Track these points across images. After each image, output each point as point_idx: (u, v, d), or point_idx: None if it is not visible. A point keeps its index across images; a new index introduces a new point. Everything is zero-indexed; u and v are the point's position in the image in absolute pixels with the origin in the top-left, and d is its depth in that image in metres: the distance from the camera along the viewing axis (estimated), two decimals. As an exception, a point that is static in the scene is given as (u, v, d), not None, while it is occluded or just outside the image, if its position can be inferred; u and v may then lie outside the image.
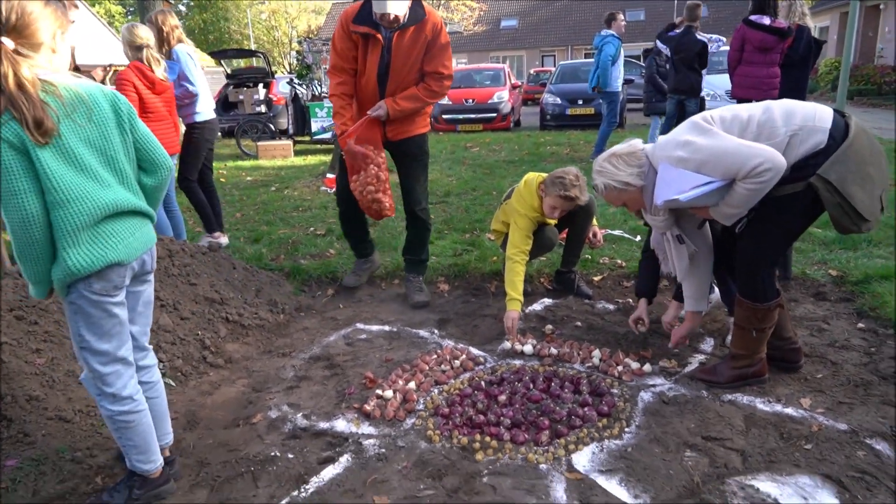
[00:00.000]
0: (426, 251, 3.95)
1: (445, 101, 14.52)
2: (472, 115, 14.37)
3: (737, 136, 2.33)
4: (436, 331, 3.47)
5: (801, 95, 5.77)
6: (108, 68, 5.82)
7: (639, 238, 4.72)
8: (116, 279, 1.90)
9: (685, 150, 2.37)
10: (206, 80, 4.89)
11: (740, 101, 5.59)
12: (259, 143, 11.22)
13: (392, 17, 3.21)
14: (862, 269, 3.76)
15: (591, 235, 3.80)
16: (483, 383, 2.81)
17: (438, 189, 7.01)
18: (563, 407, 2.58)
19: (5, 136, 1.65)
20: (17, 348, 2.71)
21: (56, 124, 1.71)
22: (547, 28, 39.05)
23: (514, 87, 15.96)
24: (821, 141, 2.27)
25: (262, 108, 13.21)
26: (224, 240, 5.05)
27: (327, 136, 11.04)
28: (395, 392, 2.73)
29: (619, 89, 8.68)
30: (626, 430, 2.43)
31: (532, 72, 29.52)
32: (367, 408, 2.62)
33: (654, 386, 2.75)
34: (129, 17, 35.55)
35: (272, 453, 2.37)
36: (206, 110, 4.79)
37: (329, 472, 2.25)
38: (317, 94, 11.78)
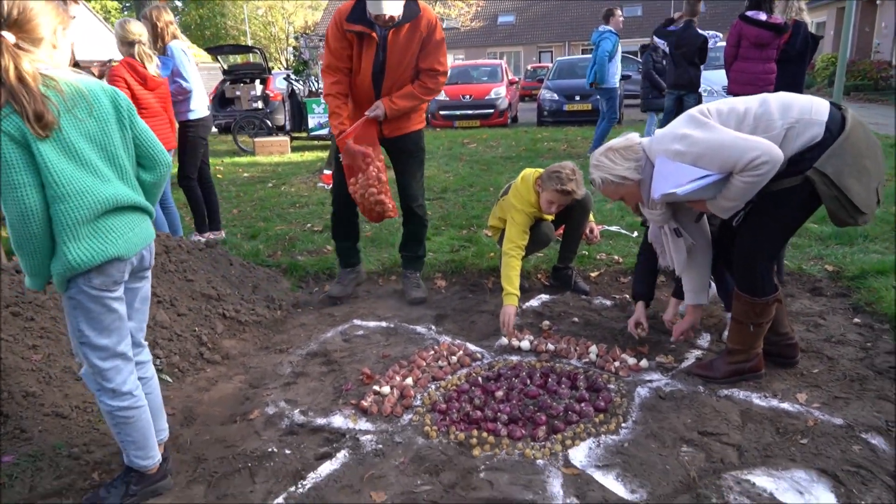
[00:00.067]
0: (423, 247, 3.94)
1: (443, 97, 14.50)
2: (470, 112, 14.36)
3: (733, 129, 2.33)
4: (433, 327, 3.47)
5: (797, 91, 5.75)
6: (107, 64, 5.81)
7: (636, 234, 4.73)
8: (116, 274, 1.91)
9: (682, 144, 2.37)
10: (200, 76, 4.88)
11: (737, 96, 5.58)
12: (256, 140, 11.20)
13: (387, 17, 3.19)
14: (858, 265, 3.77)
15: (587, 231, 3.80)
16: (480, 379, 2.82)
17: (436, 185, 7.01)
18: (559, 402, 2.58)
19: (6, 129, 1.65)
20: (14, 344, 2.71)
21: (56, 118, 1.72)
22: (544, 24, 39.00)
23: (511, 83, 15.95)
24: (817, 134, 2.28)
25: (259, 105, 13.19)
26: (220, 235, 5.07)
27: (324, 132, 11.02)
28: (392, 388, 2.73)
29: (617, 85, 8.68)
30: (623, 425, 2.43)
31: (529, 68, 29.56)
32: (365, 404, 2.62)
33: (650, 381, 2.76)
34: (126, 13, 35.39)
35: (269, 449, 2.37)
36: (200, 108, 4.79)
37: (326, 467, 2.25)
38: (314, 90, 11.76)
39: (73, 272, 1.81)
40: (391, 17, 3.21)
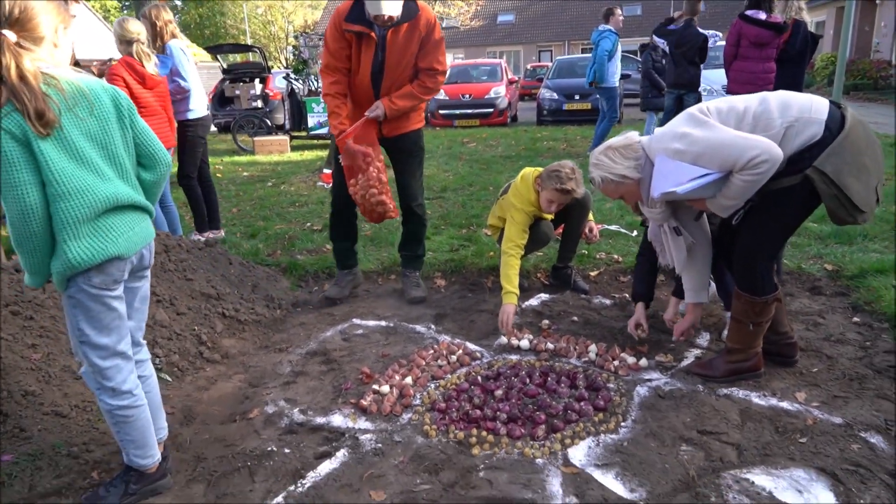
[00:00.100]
0: (423, 247, 3.94)
1: (442, 96, 14.50)
2: (469, 111, 14.36)
3: (733, 128, 2.33)
4: (432, 326, 3.47)
5: (797, 90, 5.75)
6: (106, 63, 5.81)
7: (635, 233, 4.73)
8: (116, 273, 1.91)
9: (682, 143, 2.37)
10: (199, 76, 4.88)
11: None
12: (255, 139, 11.20)
13: (386, 17, 3.18)
14: (857, 264, 3.77)
15: (587, 231, 3.80)
16: (479, 378, 2.82)
17: (435, 184, 7.01)
18: (559, 401, 2.58)
19: (7, 127, 1.66)
20: (13, 343, 2.70)
21: (57, 116, 1.73)
22: (544, 23, 38.98)
23: (510, 82, 15.94)
24: (816, 133, 2.27)
25: (259, 104, 13.18)
26: (220, 234, 5.08)
27: (324, 131, 11.02)
28: (391, 387, 2.74)
29: (617, 84, 8.67)
30: (622, 424, 2.43)
31: (529, 67, 29.54)
32: (364, 403, 2.62)
33: (650, 380, 2.76)
34: (125, 12, 35.37)
35: (269, 448, 2.37)
36: (199, 107, 4.79)
37: (326, 466, 2.25)
38: (313, 88, 11.75)
39: (73, 271, 1.81)
40: (390, 17, 3.20)
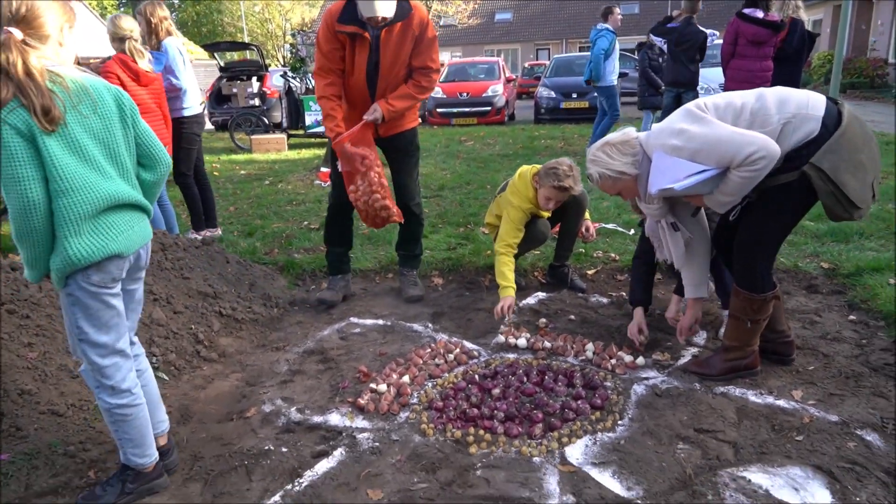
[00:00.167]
0: (420, 246, 3.94)
1: (440, 94, 14.50)
2: (467, 109, 14.34)
3: (730, 124, 2.33)
4: (430, 325, 3.47)
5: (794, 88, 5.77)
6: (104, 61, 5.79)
7: (632, 232, 4.73)
8: (115, 271, 1.92)
9: (679, 139, 2.37)
10: (194, 74, 4.87)
11: (734, 94, 5.59)
12: (253, 137, 11.18)
13: (380, 18, 3.16)
14: (854, 262, 3.78)
15: (583, 230, 3.81)
16: (477, 377, 2.82)
17: (432, 183, 7.01)
18: (556, 400, 2.59)
19: (13, 123, 1.68)
20: (9, 342, 2.70)
21: (62, 113, 1.75)
22: (541, 21, 38.96)
23: (508, 80, 15.93)
24: (813, 129, 2.28)
25: (256, 102, 13.15)
26: (217, 233, 5.07)
27: (321, 129, 11.00)
28: (388, 386, 2.74)
29: (615, 83, 8.67)
30: (619, 422, 2.44)
31: (526, 65, 29.52)
32: (361, 402, 2.62)
33: (647, 379, 2.76)
34: (122, 9, 35.27)
35: (266, 447, 2.37)
36: (193, 105, 4.78)
37: (323, 465, 2.25)
38: (311, 87, 11.72)
39: (72, 268, 1.82)
40: (384, 18, 3.17)
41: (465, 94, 14.45)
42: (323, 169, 7.85)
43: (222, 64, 14.18)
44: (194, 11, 42.03)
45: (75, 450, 2.35)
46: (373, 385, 2.75)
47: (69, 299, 1.90)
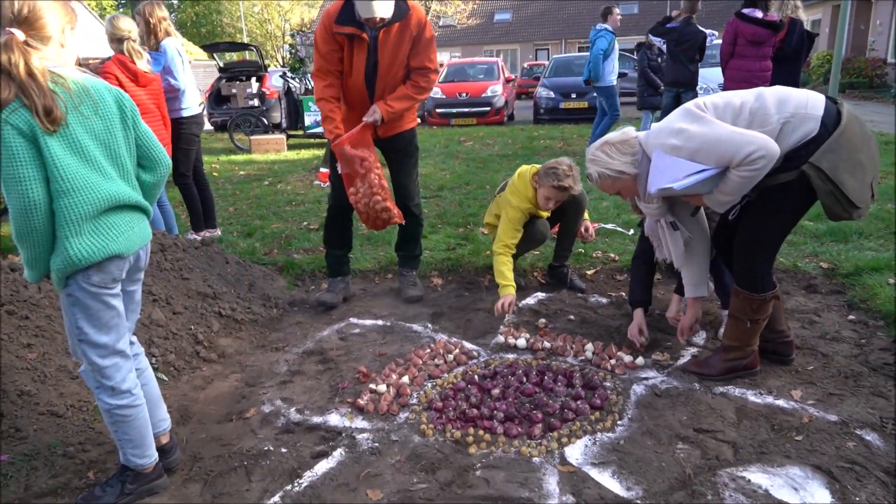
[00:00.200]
0: (419, 246, 3.94)
1: (439, 94, 14.50)
2: (466, 109, 14.34)
3: (729, 123, 2.32)
4: (429, 325, 3.47)
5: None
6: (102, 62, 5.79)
7: (632, 232, 4.73)
8: (115, 272, 1.93)
9: (679, 138, 2.37)
10: (192, 74, 4.87)
11: (733, 94, 5.59)
12: (252, 137, 11.17)
13: (378, 18, 3.15)
14: (853, 262, 3.78)
15: (582, 230, 3.81)
16: (476, 377, 2.82)
17: (432, 183, 7.01)
18: (555, 400, 2.59)
19: (14, 123, 1.69)
20: (8, 343, 2.70)
21: (64, 114, 1.76)
22: (540, 22, 38.97)
23: (507, 80, 15.93)
24: (812, 129, 2.28)
25: (255, 102, 13.14)
26: (216, 233, 5.07)
27: (321, 129, 10.99)
28: (388, 386, 2.74)
29: (615, 83, 8.67)
30: (619, 422, 2.44)
31: (526, 65, 29.51)
32: (361, 402, 2.62)
33: (646, 379, 2.77)
34: (121, 10, 35.27)
35: (265, 448, 2.37)
36: (192, 105, 4.78)
37: (322, 466, 2.25)
38: (310, 87, 11.72)
39: (73, 268, 1.83)
40: (382, 19, 3.16)
41: (464, 95, 14.46)
42: (322, 169, 7.85)
43: (221, 64, 14.18)
44: (193, 12, 42.01)
45: (74, 450, 2.34)
46: (372, 385, 2.75)
47: (69, 300, 1.90)
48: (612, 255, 4.29)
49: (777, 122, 2.30)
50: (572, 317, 3.45)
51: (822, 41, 21.03)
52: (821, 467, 2.10)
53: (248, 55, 15.80)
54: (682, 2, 7.56)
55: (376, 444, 2.36)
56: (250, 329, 3.49)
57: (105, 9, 37.14)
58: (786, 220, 2.51)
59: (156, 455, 2.14)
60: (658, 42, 8.34)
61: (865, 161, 2.31)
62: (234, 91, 13.39)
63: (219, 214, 5.43)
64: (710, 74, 10.22)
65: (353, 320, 3.57)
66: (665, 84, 7.76)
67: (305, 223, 5.56)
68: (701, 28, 7.46)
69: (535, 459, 2.24)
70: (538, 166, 3.53)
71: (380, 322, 3.54)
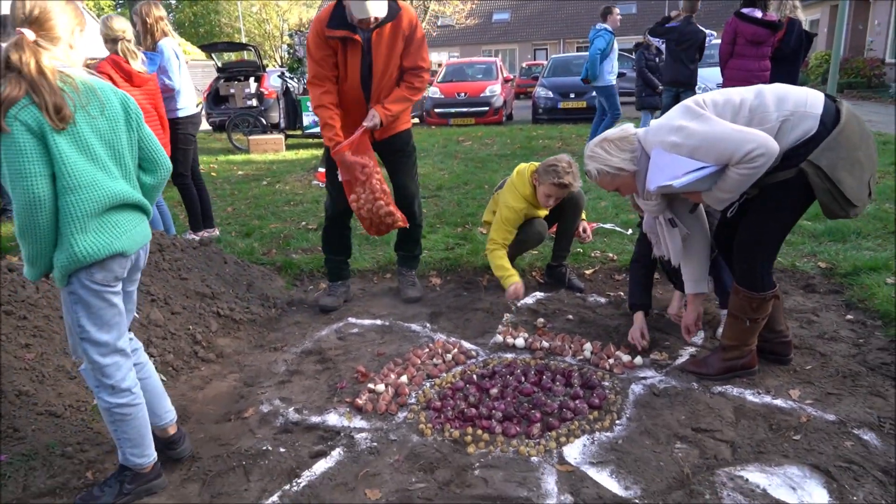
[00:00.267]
0: (419, 247, 3.93)
1: (438, 94, 14.51)
2: (465, 109, 14.33)
3: (729, 121, 2.32)
4: (428, 325, 3.47)
5: (791, 88, 5.78)
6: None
7: (630, 231, 4.74)
8: (118, 270, 1.95)
9: (678, 136, 2.37)
10: (189, 74, 4.86)
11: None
12: (250, 137, 11.17)
13: (373, 19, 3.13)
14: (851, 262, 3.79)
15: (580, 230, 3.81)
16: (475, 377, 2.82)
17: (430, 183, 7.01)
18: (554, 400, 2.59)
19: (23, 120, 1.72)
20: (7, 343, 2.69)
21: (73, 112, 1.80)
22: (539, 21, 38.98)
23: (506, 80, 15.94)
24: (811, 127, 2.28)
25: (254, 102, 13.13)
26: (214, 233, 5.07)
27: (319, 129, 10.98)
28: (386, 386, 2.74)
29: (614, 83, 8.67)
30: (617, 422, 2.44)
31: (524, 65, 29.51)
32: (359, 402, 2.62)
33: (644, 378, 2.77)
34: (119, 10, 35.23)
35: (264, 447, 2.37)
36: (188, 105, 4.78)
37: (321, 465, 2.25)
38: (309, 87, 11.70)
39: (77, 265, 1.85)
40: (375, 19, 3.15)
41: (462, 95, 14.45)
42: (320, 169, 7.83)
43: (220, 64, 14.17)
44: (191, 12, 41.94)
45: (73, 450, 2.34)
46: (371, 385, 2.75)
47: (71, 297, 1.91)
48: (611, 254, 4.29)
49: (776, 120, 2.30)
50: (571, 316, 3.45)
51: (821, 41, 21.05)
52: (819, 467, 2.10)
53: (246, 55, 15.77)
54: (681, 1, 7.57)
55: (375, 444, 2.36)
56: (249, 329, 3.48)
57: (103, 9, 37.09)
58: (785, 219, 2.51)
59: (154, 455, 2.14)
60: (656, 42, 8.34)
61: (864, 159, 2.31)
62: (232, 91, 13.37)
63: (217, 214, 5.43)
64: (709, 74, 10.23)
65: (352, 320, 3.57)
66: (664, 84, 7.76)
67: (304, 223, 5.56)
68: (701, 28, 7.47)
69: (534, 459, 2.24)
70: (537, 164, 3.53)
71: (378, 322, 3.54)
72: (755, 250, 2.53)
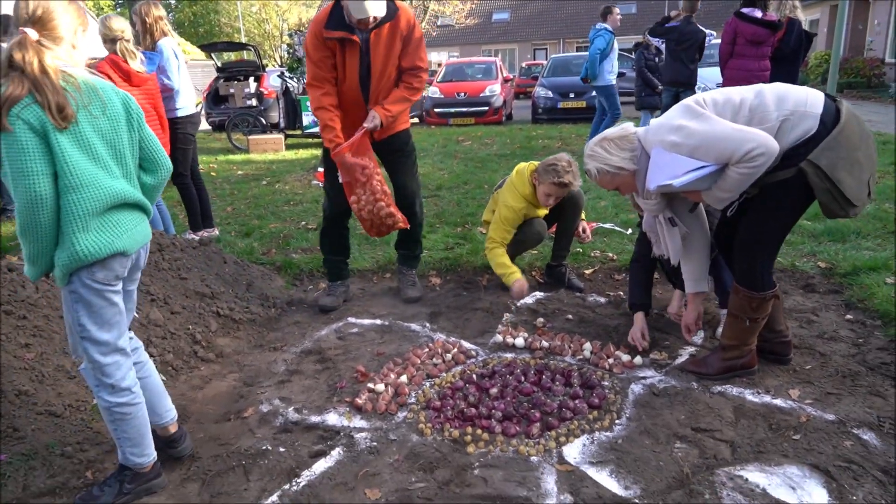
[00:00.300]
0: (420, 246, 3.92)
1: (437, 94, 14.50)
2: (464, 109, 14.33)
3: (729, 120, 2.32)
4: (427, 324, 3.47)
5: (791, 88, 5.79)
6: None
7: (630, 231, 4.74)
8: (119, 269, 1.96)
9: (678, 135, 2.37)
10: (188, 74, 4.86)
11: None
12: (250, 137, 11.17)
13: (371, 19, 3.12)
14: (850, 261, 3.79)
15: (579, 230, 3.81)
16: (474, 376, 2.82)
17: (430, 183, 7.01)
18: (554, 399, 2.59)
19: (26, 118, 1.73)
20: (6, 343, 2.69)
21: (75, 111, 1.81)
22: (539, 21, 38.98)
23: (505, 80, 15.93)
24: (811, 127, 2.28)
25: (253, 102, 13.13)
26: (214, 233, 5.07)
27: (318, 129, 10.98)
28: (386, 385, 2.74)
29: (613, 82, 8.67)
30: (617, 422, 2.44)
31: (524, 65, 29.50)
32: (359, 401, 2.62)
33: (644, 378, 2.77)
34: (119, 10, 35.21)
35: (263, 447, 2.37)
36: (187, 105, 4.77)
37: (321, 465, 2.25)
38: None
39: (79, 263, 1.85)
40: (374, 18, 3.14)
41: (462, 94, 14.45)
42: (320, 169, 7.81)
43: (219, 64, 14.16)
44: (191, 12, 41.93)
45: (73, 450, 2.34)
46: (370, 385, 2.75)
47: (72, 296, 1.92)
48: (611, 254, 4.29)
49: (776, 120, 2.30)
50: (570, 316, 3.45)
51: (820, 41, 21.05)
52: (818, 466, 2.11)
53: (245, 55, 15.78)
54: (681, 1, 7.57)
55: (374, 444, 2.36)
56: (248, 329, 3.48)
57: (102, 9, 37.07)
58: (785, 219, 2.51)
59: (154, 454, 2.14)
60: (656, 41, 8.33)
61: (863, 159, 2.31)
62: (231, 91, 13.37)
63: (217, 214, 5.42)
64: (708, 74, 10.24)
65: (352, 320, 3.57)
66: (664, 83, 7.76)
67: (303, 223, 5.55)
68: (701, 27, 7.47)
69: (533, 458, 2.24)
70: (536, 163, 3.53)
71: (378, 321, 3.54)
72: (755, 249, 2.53)
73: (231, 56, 18.15)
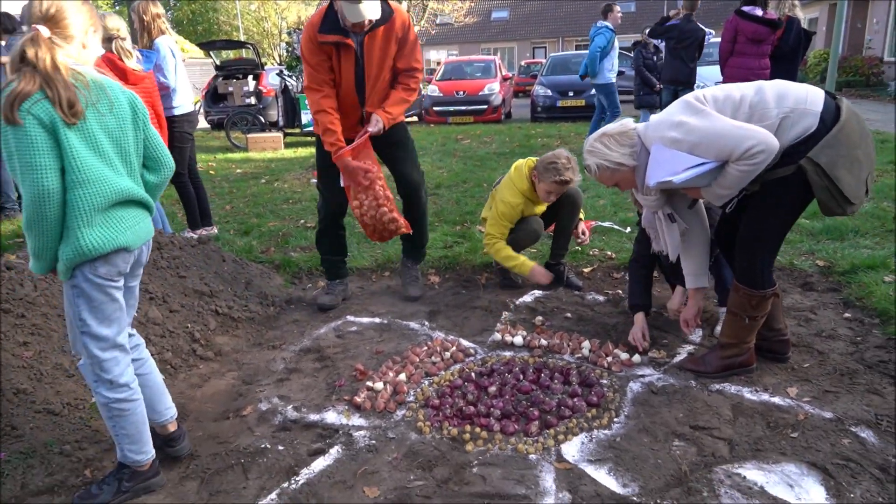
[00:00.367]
0: (425, 236, 3.85)
1: (436, 93, 14.50)
2: (463, 108, 14.33)
3: (729, 117, 2.32)
4: (426, 322, 3.47)
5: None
6: None
7: (629, 230, 4.74)
8: (121, 264, 1.98)
9: (678, 131, 2.37)
10: (186, 73, 4.85)
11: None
12: (249, 136, 11.16)
13: (366, 22, 3.11)
14: (849, 260, 3.79)
15: (578, 231, 3.81)
16: (473, 374, 2.82)
17: (429, 181, 6.99)
18: (552, 398, 2.59)
19: (36, 114, 1.76)
20: (5, 341, 2.69)
21: (84, 108, 1.84)
22: (538, 20, 38.96)
23: (504, 78, 15.93)
24: (811, 125, 2.28)
25: (252, 100, 13.13)
26: (213, 231, 5.06)
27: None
28: (385, 384, 2.74)
29: (613, 80, 8.67)
30: (615, 420, 2.44)
31: (523, 63, 29.49)
32: (358, 399, 2.62)
33: (643, 376, 2.77)
34: (117, 8, 35.14)
35: (262, 445, 2.37)
36: (184, 103, 4.76)
37: (319, 463, 2.26)
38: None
39: (82, 258, 1.87)
40: (369, 21, 3.13)
41: (461, 93, 14.45)
42: (319, 167, 7.83)
43: (218, 62, 14.14)
44: (190, 10, 41.88)
45: (71, 448, 2.34)
46: (369, 383, 2.75)
47: (74, 291, 1.94)
48: (609, 252, 4.29)
49: (776, 117, 2.30)
50: (569, 314, 3.46)
51: (819, 39, 21.06)
52: (816, 464, 2.11)
53: (244, 53, 15.77)
54: (680, 0, 7.57)
55: (373, 442, 2.36)
56: (247, 327, 3.48)
57: (100, 7, 37.03)
58: (785, 216, 2.51)
59: (153, 452, 2.14)
60: (655, 40, 8.33)
61: (863, 157, 2.31)
62: (230, 89, 13.36)
63: (215, 213, 5.42)
64: (707, 72, 10.24)
65: (350, 318, 3.57)
66: (663, 82, 7.76)
67: (302, 221, 5.55)
68: (701, 26, 7.47)
69: (532, 456, 2.24)
70: (535, 159, 3.53)
71: (377, 320, 3.54)
72: (755, 247, 2.54)
73: (230, 54, 18.11)
